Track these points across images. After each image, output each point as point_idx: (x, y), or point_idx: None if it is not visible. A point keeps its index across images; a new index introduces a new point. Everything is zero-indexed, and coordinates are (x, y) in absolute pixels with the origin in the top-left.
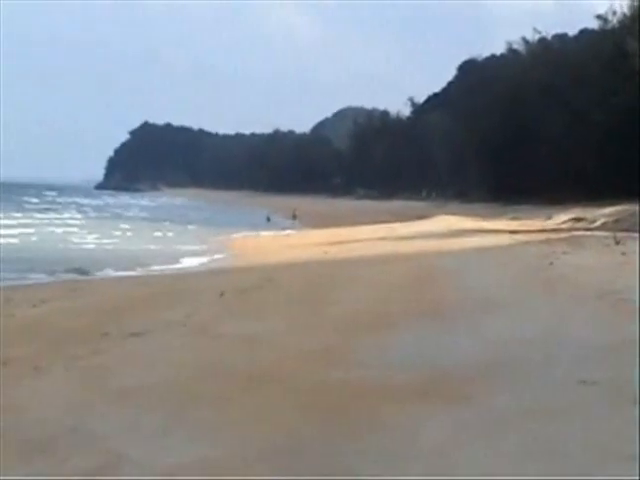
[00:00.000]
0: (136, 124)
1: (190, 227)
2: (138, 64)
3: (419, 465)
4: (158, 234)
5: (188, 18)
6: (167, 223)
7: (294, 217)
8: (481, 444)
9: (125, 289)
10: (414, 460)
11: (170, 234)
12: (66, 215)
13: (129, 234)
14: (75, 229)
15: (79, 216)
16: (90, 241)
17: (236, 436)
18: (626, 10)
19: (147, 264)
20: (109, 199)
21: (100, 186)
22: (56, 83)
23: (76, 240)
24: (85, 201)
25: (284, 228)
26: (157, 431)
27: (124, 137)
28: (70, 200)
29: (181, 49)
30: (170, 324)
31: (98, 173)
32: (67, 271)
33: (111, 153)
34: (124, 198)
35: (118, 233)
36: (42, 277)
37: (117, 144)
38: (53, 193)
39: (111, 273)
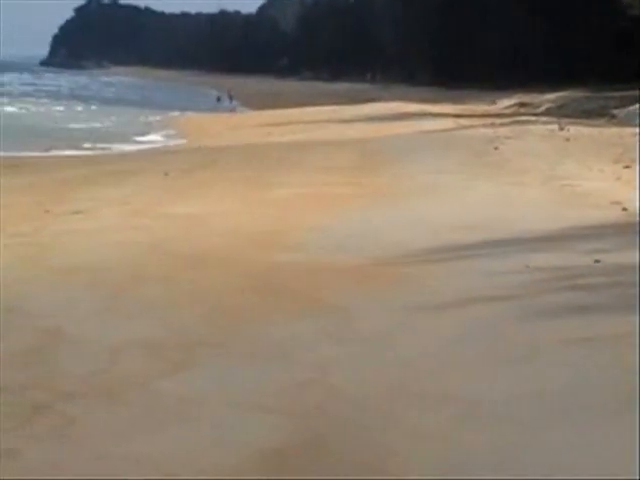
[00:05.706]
0: (82, 1)
1: (135, 107)
2: None
3: (358, 344)
4: (102, 113)
5: None
6: (113, 103)
7: (230, 98)
8: (420, 326)
9: (66, 168)
10: (354, 341)
11: (115, 115)
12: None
13: (70, 113)
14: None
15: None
16: (30, 118)
17: (177, 316)
18: None
19: (91, 143)
20: (53, 76)
21: (44, 62)
22: None
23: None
24: (27, 77)
25: (231, 109)
26: (97, 310)
27: (69, 15)
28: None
29: None
30: (113, 203)
31: (43, 51)
32: (6, 148)
33: (56, 30)
34: (67, 76)
35: (59, 109)
36: None
37: (63, 21)
38: None
39: (52, 151)
